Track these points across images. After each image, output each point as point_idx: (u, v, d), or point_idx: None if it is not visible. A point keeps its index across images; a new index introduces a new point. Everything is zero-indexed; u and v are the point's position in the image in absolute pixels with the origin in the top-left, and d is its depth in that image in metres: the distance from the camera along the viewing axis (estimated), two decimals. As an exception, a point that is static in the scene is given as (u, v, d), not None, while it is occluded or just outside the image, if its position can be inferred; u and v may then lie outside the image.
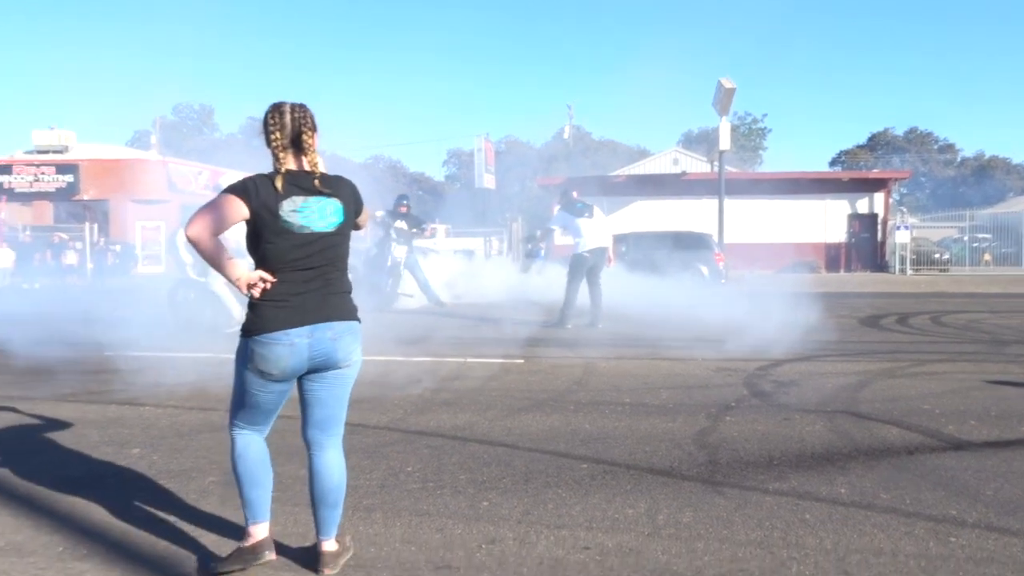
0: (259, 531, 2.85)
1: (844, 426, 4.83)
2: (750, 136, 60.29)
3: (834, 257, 28.01)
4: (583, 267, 9.75)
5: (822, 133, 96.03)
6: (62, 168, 30.85)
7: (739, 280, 19.56)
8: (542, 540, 3.14)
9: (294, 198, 2.67)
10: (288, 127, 2.71)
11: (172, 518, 3.38)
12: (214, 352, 7.05)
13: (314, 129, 2.76)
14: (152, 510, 3.47)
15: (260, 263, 2.71)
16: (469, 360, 7.35)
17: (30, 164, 31.03)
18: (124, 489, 3.75)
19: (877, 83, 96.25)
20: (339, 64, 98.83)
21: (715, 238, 20.68)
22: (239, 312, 8.42)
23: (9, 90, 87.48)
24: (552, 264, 14.17)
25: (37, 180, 30.70)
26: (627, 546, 3.07)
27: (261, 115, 2.77)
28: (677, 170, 37.66)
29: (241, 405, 2.82)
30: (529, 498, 3.60)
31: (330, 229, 2.73)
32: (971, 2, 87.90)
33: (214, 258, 2.68)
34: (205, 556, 2.99)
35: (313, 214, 2.69)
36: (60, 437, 4.67)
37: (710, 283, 17.42)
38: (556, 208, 10.50)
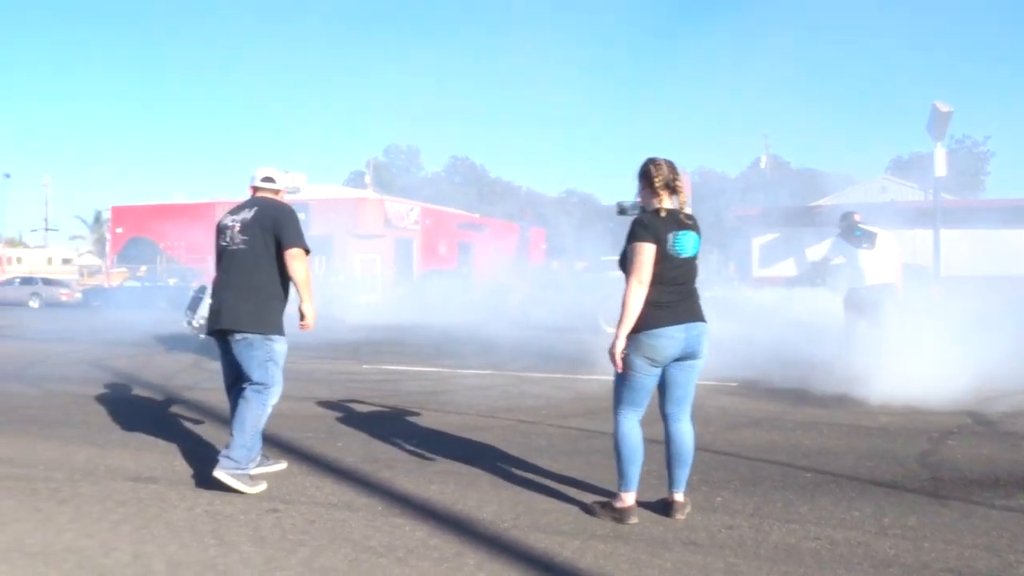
0: (629, 498, 3.67)
1: (1079, 456, 4.81)
2: (970, 160, 55.62)
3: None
4: (858, 306, 8.47)
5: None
6: (297, 207, 34.57)
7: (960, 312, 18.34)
8: (775, 530, 3.58)
9: (675, 231, 3.55)
10: (666, 174, 3.59)
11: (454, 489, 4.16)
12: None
13: (679, 177, 3.66)
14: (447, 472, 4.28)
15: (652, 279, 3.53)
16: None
17: (270, 205, 35.11)
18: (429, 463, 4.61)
19: None
20: (528, 101, 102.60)
21: (930, 270, 19.56)
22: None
23: (249, 133, 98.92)
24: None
25: (275, 218, 34.64)
26: (855, 540, 3.44)
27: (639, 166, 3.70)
28: (885, 199, 35.67)
29: (626, 391, 3.64)
30: (758, 498, 4.04)
31: (693, 254, 3.62)
32: None
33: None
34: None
35: (684, 243, 3.56)
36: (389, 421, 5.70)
37: (925, 315, 16.56)
38: (836, 238, 8.86)
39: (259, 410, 4.31)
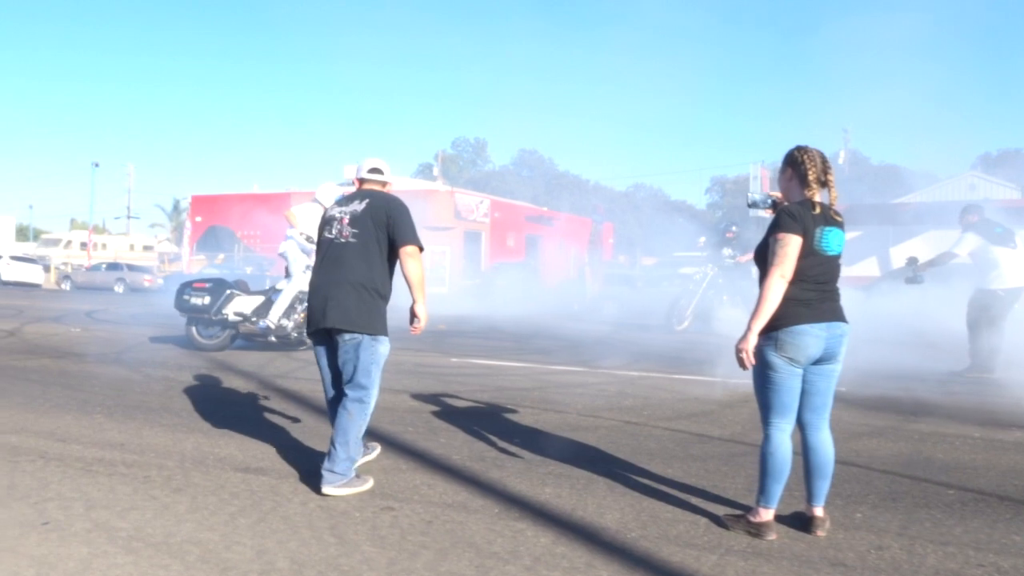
0: (768, 514, 3.46)
1: None
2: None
3: None
4: (994, 309, 7.92)
5: None
6: (368, 198, 34.99)
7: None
8: (930, 554, 3.29)
9: (824, 227, 3.36)
10: (819, 165, 3.39)
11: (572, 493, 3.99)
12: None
13: (831, 170, 3.45)
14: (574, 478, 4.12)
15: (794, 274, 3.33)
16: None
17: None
18: (539, 464, 4.46)
19: None
20: (599, 93, 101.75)
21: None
22: None
23: (321, 124, 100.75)
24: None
25: (347, 209, 35.11)
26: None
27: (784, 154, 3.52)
28: (975, 196, 34.10)
29: (771, 394, 3.41)
30: (902, 515, 3.75)
31: (837, 253, 3.41)
32: None
33: None
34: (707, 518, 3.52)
35: (831, 240, 3.37)
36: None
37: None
38: (966, 231, 8.15)
39: (361, 420, 4.15)
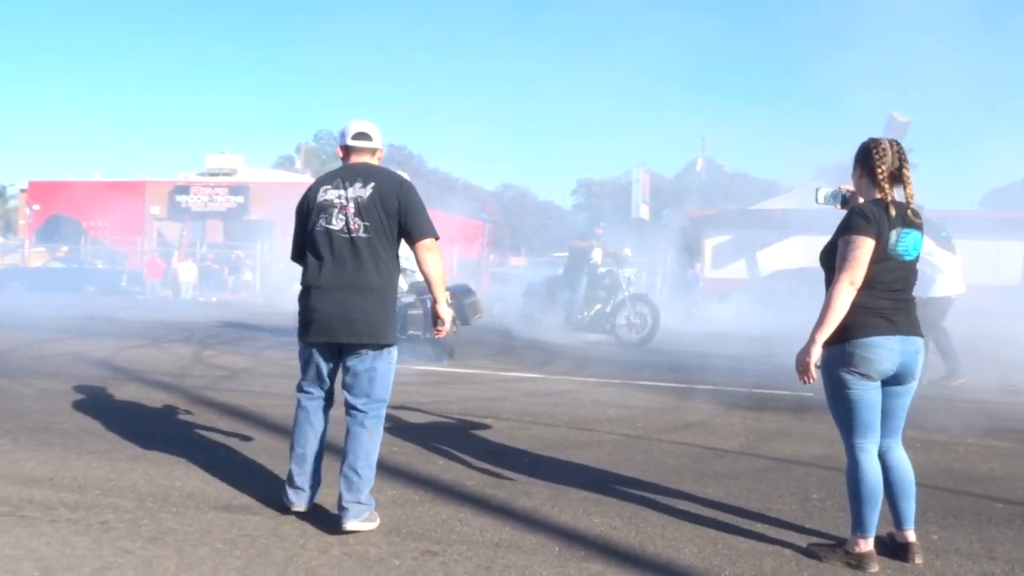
0: (868, 544, 3.14)
1: None
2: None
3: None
4: (945, 314, 7.75)
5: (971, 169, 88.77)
6: (234, 190, 33.01)
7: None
8: (1037, 578, 3.11)
9: (900, 229, 3.05)
10: (890, 160, 3.07)
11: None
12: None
13: (907, 164, 3.12)
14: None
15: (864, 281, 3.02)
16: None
17: (206, 185, 33.38)
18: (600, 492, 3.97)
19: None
20: (469, 90, 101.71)
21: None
22: None
23: (179, 112, 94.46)
24: None
25: (211, 200, 32.96)
26: None
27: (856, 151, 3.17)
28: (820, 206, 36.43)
29: (850, 411, 3.11)
30: (974, 534, 3.57)
31: (914, 257, 3.10)
32: None
33: None
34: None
35: (908, 244, 3.07)
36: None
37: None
38: None
39: (379, 437, 3.61)
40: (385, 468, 4.39)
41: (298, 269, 3.75)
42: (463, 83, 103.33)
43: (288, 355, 9.12)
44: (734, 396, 7.06)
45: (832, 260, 3.12)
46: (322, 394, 3.70)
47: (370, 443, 3.53)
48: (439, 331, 3.69)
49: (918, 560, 3.17)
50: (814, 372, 3.04)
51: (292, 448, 3.70)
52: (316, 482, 3.67)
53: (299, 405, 3.72)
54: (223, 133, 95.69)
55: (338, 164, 3.86)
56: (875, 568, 3.11)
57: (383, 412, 3.62)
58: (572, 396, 6.98)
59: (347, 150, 3.72)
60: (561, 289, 12.59)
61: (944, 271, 7.56)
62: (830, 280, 3.10)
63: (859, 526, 3.15)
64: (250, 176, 34.94)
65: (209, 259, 26.20)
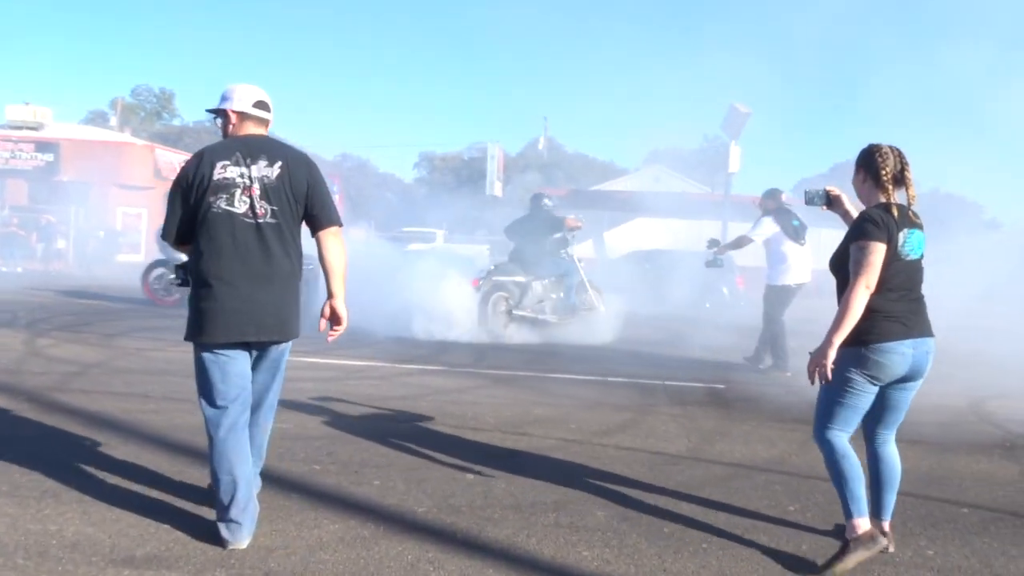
0: (865, 523, 3.13)
1: None
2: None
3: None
4: (788, 302, 7.87)
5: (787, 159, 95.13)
6: (41, 146, 29.37)
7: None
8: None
9: (906, 230, 3.09)
10: (893, 164, 3.11)
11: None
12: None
13: (908, 166, 3.17)
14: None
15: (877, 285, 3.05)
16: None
17: (7, 139, 29.45)
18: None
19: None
20: (309, 59, 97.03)
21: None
22: None
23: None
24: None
25: (14, 157, 29.14)
26: None
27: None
28: (660, 188, 37.97)
29: (839, 409, 3.15)
30: (962, 545, 3.48)
31: (919, 256, 3.15)
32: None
33: None
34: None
35: (913, 243, 3.11)
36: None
37: (732, 305, 17.60)
38: (764, 216, 7.92)
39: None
40: (311, 493, 3.74)
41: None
42: (305, 50, 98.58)
43: (145, 345, 7.97)
44: (647, 389, 6.84)
45: (843, 266, 3.15)
46: (248, 402, 3.21)
47: (263, 440, 3.44)
48: (334, 332, 3.27)
49: (892, 548, 3.30)
50: (830, 374, 3.04)
51: (217, 476, 3.09)
52: (254, 509, 3.12)
53: (219, 425, 3.11)
54: (24, 82, 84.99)
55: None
56: (885, 542, 3.16)
57: (276, 403, 3.47)
58: (486, 392, 6.46)
59: (241, 117, 3.24)
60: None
61: (789, 260, 7.67)
62: (841, 286, 3.16)
63: (855, 506, 3.14)
64: (60, 132, 31.18)
65: (14, 224, 22.99)
